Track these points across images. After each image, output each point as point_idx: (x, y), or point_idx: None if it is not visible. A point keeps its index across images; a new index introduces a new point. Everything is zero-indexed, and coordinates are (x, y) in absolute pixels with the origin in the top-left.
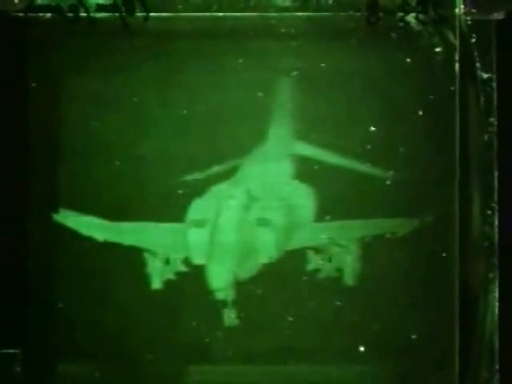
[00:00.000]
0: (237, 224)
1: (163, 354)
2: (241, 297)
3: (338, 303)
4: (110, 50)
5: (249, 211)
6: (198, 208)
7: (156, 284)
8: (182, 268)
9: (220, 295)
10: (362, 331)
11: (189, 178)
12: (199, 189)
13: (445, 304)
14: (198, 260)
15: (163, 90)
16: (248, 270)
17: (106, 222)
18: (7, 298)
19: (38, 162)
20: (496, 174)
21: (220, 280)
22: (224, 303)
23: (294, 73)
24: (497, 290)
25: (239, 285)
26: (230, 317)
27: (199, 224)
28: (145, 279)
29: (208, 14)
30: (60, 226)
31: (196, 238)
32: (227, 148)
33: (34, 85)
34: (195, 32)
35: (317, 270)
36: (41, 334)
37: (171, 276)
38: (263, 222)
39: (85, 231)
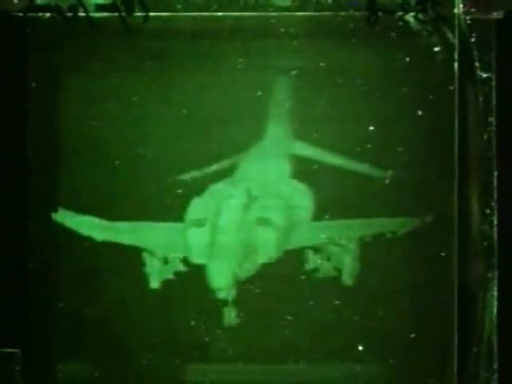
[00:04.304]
0: (237, 223)
1: (162, 353)
2: (240, 296)
3: (336, 302)
4: (110, 49)
5: (249, 210)
6: (197, 207)
7: (154, 283)
8: (181, 267)
9: (221, 294)
10: (360, 330)
11: (187, 176)
12: (198, 188)
13: (443, 303)
14: (198, 259)
15: (162, 89)
16: (248, 270)
17: (104, 222)
18: (7, 298)
19: (37, 162)
20: (495, 173)
21: (221, 279)
22: (224, 302)
23: (294, 72)
24: (496, 289)
25: (239, 284)
26: (229, 316)
27: (199, 223)
28: (144, 279)
29: (207, 13)
30: (59, 225)
31: (196, 237)
32: (225, 146)
33: (33, 84)
34: (194, 31)
35: (315, 270)
36: (40, 334)
37: (170, 275)
38: (263, 222)
39: (83, 231)
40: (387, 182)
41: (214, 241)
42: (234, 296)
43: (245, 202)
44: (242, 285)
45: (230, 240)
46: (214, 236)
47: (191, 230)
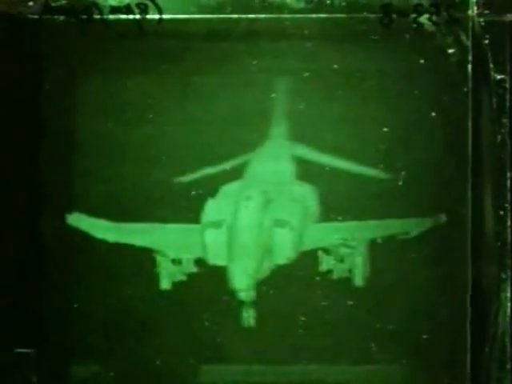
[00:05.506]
0: (255, 225)
1: (178, 354)
2: (257, 297)
3: (349, 303)
4: (124, 51)
5: (266, 212)
6: (212, 209)
7: (167, 284)
8: (195, 268)
9: (241, 295)
10: (373, 331)
11: (200, 177)
12: (211, 190)
13: (457, 304)
14: (215, 260)
15: (177, 91)
16: (264, 271)
17: (116, 224)
18: (22, 299)
19: (51, 164)
20: (509, 174)
21: (242, 280)
22: (242, 303)
23: (307, 74)
24: (509, 289)
25: (256, 285)
26: (247, 317)
27: (216, 225)
28: (157, 280)
29: (222, 15)
30: (73, 228)
31: (213, 238)
32: (239, 147)
33: (48, 86)
34: (209, 34)
35: (329, 271)
36: (55, 334)
37: (183, 276)
38: (280, 223)
39: (97, 233)
40: (400, 183)
41: (232, 242)
42: (252, 297)
43: (261, 203)
44: (258, 286)
45: (250, 241)
46: (233, 237)
47: (208, 230)
